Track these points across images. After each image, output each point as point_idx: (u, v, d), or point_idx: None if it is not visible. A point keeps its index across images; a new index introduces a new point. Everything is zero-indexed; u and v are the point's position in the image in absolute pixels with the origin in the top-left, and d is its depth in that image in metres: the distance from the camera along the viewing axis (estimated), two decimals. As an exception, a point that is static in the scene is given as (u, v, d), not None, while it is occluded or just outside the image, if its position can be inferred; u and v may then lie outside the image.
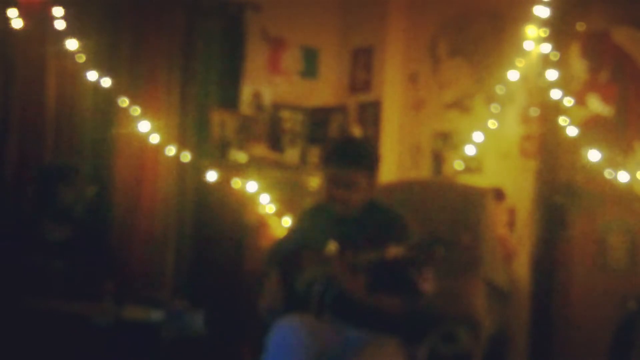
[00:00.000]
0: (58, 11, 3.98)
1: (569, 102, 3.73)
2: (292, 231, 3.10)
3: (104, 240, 3.77)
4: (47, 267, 3.36)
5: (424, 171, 4.59)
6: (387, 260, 2.50)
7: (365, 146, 2.94)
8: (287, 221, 4.27)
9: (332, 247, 2.66)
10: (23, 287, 3.26)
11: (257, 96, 4.79)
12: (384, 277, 2.59)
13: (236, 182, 4.33)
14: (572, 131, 3.67)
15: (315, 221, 2.90)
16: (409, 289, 2.63)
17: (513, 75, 3.90)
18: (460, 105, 4.44)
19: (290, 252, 2.87)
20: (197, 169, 4.35)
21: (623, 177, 3.47)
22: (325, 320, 2.67)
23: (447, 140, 4.46)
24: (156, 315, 3.35)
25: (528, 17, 3.81)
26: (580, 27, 3.80)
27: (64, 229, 3.45)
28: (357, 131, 4.77)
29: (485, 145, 4.09)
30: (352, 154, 2.80)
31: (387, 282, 2.60)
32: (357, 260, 2.55)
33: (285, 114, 4.85)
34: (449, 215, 3.69)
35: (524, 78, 3.92)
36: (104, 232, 4.04)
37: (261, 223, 4.37)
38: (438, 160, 4.51)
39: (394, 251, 2.48)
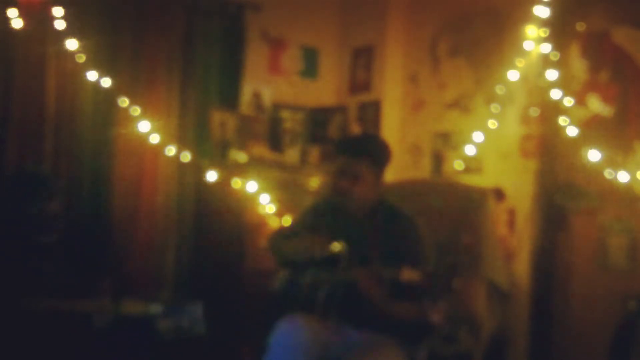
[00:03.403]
0: (58, 11, 3.98)
1: (569, 102, 3.72)
2: (295, 224, 3.07)
3: (98, 239, 3.76)
4: (41, 269, 3.36)
5: (424, 171, 4.59)
6: (401, 282, 2.48)
7: (374, 140, 2.94)
8: (287, 221, 4.27)
9: (339, 246, 2.65)
10: (19, 289, 3.26)
11: (257, 96, 4.79)
12: (397, 295, 2.57)
13: (236, 182, 4.33)
14: (572, 131, 3.67)
15: (320, 218, 2.89)
16: (425, 316, 2.62)
17: (513, 75, 3.89)
18: (460, 105, 4.44)
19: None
20: (197, 169, 4.35)
21: (623, 177, 3.47)
22: (329, 321, 2.67)
23: (447, 140, 4.46)
24: (154, 308, 3.34)
25: (528, 17, 3.81)
26: (580, 27, 3.80)
27: (51, 234, 3.45)
28: (357, 131, 4.77)
29: (485, 145, 4.08)
30: (358, 145, 2.82)
31: (399, 299, 2.60)
32: (381, 275, 2.54)
33: (285, 114, 4.85)
34: (450, 215, 3.70)
35: (524, 78, 3.91)
36: (96, 230, 4.04)
37: (261, 223, 4.37)
38: (438, 160, 4.51)
39: (409, 275, 2.46)
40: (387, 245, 2.66)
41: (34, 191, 3.48)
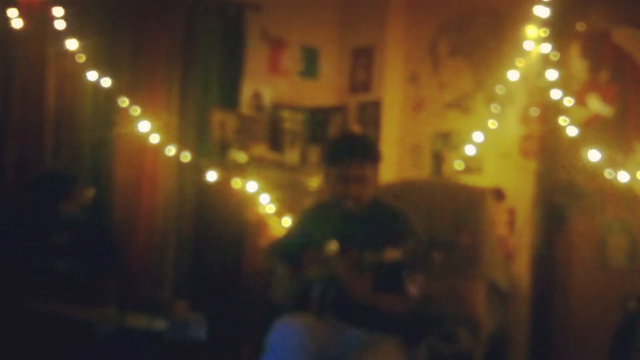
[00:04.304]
0: (58, 11, 3.98)
1: (569, 102, 3.73)
2: (293, 230, 3.09)
3: (105, 242, 3.76)
4: (49, 269, 3.36)
5: (424, 171, 4.59)
6: (385, 263, 2.50)
7: (370, 139, 2.96)
8: (287, 221, 4.28)
9: (332, 246, 2.66)
10: (26, 290, 3.26)
11: (257, 96, 4.79)
12: (383, 279, 2.59)
13: (236, 182, 4.33)
14: (572, 131, 3.67)
15: (317, 220, 2.90)
16: (399, 291, 2.63)
17: (513, 75, 3.90)
18: (460, 105, 4.44)
19: (291, 251, 2.86)
20: (197, 169, 4.35)
21: (623, 177, 3.47)
22: (325, 320, 2.67)
23: (447, 140, 4.46)
24: (159, 324, 3.34)
25: (528, 17, 3.81)
26: (580, 27, 3.80)
27: (64, 234, 3.44)
28: (357, 131, 4.77)
29: (485, 145, 4.08)
30: (361, 148, 2.81)
31: (385, 284, 2.61)
32: (362, 261, 2.55)
33: (285, 114, 4.85)
34: (449, 215, 3.70)
35: (524, 78, 3.92)
36: (105, 233, 4.04)
37: (261, 223, 4.37)
38: (438, 160, 4.51)
39: (392, 254, 2.48)
40: (376, 237, 2.66)
41: (56, 191, 3.48)
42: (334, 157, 2.81)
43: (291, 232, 3.08)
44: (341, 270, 2.58)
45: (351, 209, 2.78)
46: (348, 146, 2.82)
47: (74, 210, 3.46)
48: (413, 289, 2.60)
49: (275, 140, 4.78)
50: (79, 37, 4.02)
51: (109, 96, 4.13)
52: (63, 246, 3.41)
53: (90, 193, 3.59)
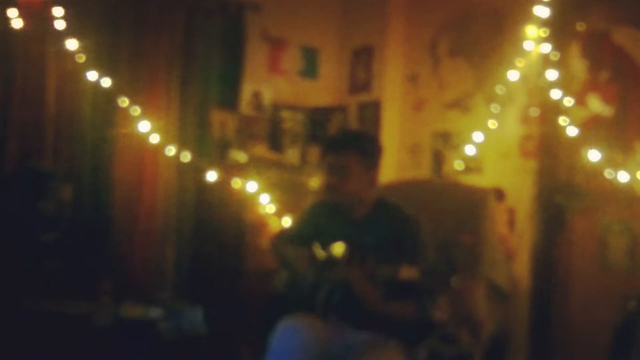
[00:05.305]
0: (58, 11, 3.98)
1: (569, 102, 3.73)
2: (298, 223, 3.07)
3: (98, 239, 3.76)
4: (40, 269, 3.36)
5: (424, 171, 4.59)
6: (399, 280, 2.48)
7: (360, 134, 2.95)
8: (287, 221, 4.28)
9: (339, 248, 2.65)
10: (20, 289, 3.26)
11: (257, 96, 4.79)
12: (396, 293, 2.57)
13: (236, 182, 4.33)
14: (572, 131, 3.67)
15: (324, 216, 2.88)
16: (422, 314, 2.61)
17: (513, 75, 3.90)
18: (460, 105, 4.44)
19: (296, 243, 2.85)
20: (197, 169, 4.35)
21: (623, 177, 3.47)
22: (329, 321, 2.67)
23: (447, 140, 4.47)
24: (154, 312, 3.35)
25: (528, 17, 3.81)
26: (580, 27, 3.80)
27: (51, 232, 3.44)
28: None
29: (485, 145, 4.09)
30: (342, 139, 2.83)
31: (398, 298, 2.59)
32: (376, 274, 2.53)
33: (285, 114, 4.85)
34: (450, 215, 3.69)
35: (524, 78, 3.91)
36: (96, 231, 4.04)
37: (261, 223, 4.37)
38: (438, 160, 4.51)
39: (407, 272, 2.46)
40: (387, 243, 2.65)
41: (34, 188, 3.48)
42: (323, 150, 2.85)
43: (298, 224, 3.05)
44: (355, 281, 2.56)
45: (335, 200, 2.77)
46: (333, 138, 2.86)
47: (54, 207, 3.45)
48: (441, 314, 2.59)
49: (275, 140, 4.78)
50: (79, 37, 4.02)
51: (109, 96, 4.14)
52: (51, 245, 3.41)
53: (67, 190, 3.58)
